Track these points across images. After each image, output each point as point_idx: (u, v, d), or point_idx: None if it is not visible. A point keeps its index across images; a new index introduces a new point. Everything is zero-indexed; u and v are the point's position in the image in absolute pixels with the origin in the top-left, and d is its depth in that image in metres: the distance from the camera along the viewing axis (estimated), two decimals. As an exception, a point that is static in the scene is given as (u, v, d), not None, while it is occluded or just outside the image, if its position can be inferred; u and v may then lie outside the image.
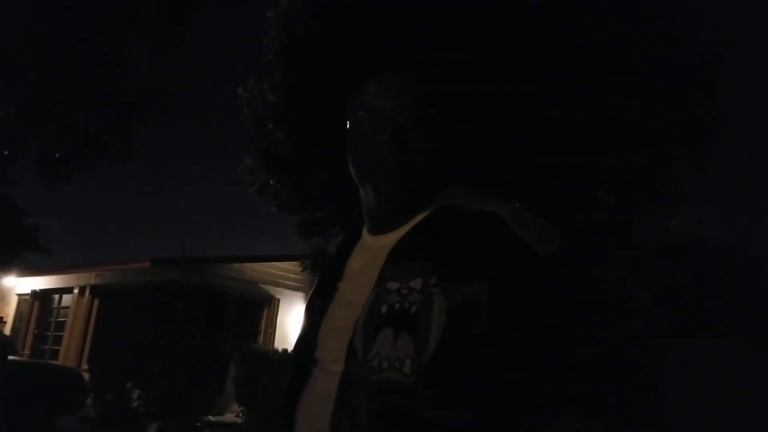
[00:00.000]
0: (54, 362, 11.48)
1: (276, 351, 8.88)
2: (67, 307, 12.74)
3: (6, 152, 7.39)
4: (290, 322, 11.87)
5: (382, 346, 0.83)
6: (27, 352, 12.94)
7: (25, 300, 14.19)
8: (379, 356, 0.83)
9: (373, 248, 1.00)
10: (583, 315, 0.83)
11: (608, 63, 4.68)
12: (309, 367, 0.96)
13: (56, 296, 13.55)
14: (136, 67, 7.17)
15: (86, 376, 9.23)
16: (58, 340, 12.62)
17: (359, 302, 0.91)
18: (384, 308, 0.86)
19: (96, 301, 12.17)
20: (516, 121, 4.42)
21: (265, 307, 11.99)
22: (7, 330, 13.82)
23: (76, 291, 12.48)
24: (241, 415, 8.53)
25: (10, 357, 8.80)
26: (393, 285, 0.87)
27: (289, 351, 8.49)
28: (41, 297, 13.81)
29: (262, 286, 11.79)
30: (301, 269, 7.61)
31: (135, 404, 8.52)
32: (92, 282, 12.24)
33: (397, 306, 0.85)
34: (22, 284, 14.14)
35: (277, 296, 12.05)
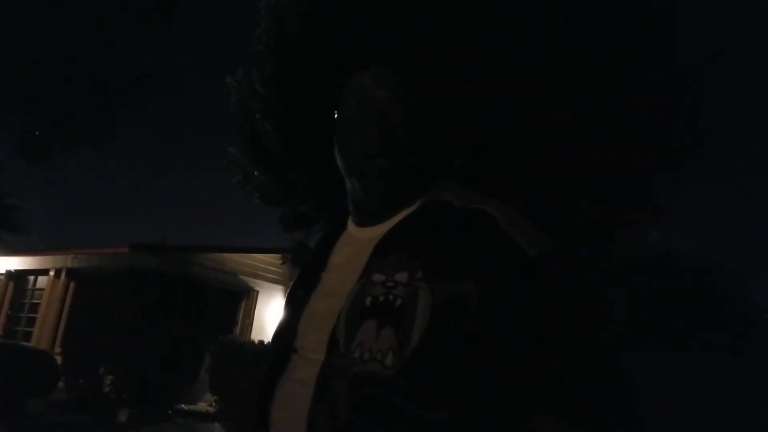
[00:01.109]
0: (26, 344, 11.33)
1: (252, 342, 8.85)
2: (42, 289, 12.57)
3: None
4: (268, 314, 11.83)
5: (365, 337, 0.82)
6: (-1, 332, 12.77)
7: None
8: (361, 348, 0.82)
9: (359, 240, 0.99)
10: (569, 319, 0.83)
11: (594, 73, 4.72)
12: (288, 355, 0.94)
13: (31, 278, 13.36)
14: (123, 50, 7.09)
15: (59, 359, 9.13)
16: (31, 321, 12.45)
17: (342, 293, 0.90)
18: (368, 300, 0.85)
19: (72, 285, 12.02)
20: (502, 125, 4.45)
21: (244, 299, 11.94)
22: (-21, 310, 13.61)
23: (51, 273, 12.32)
24: (213, 404, 8.51)
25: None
26: (378, 277, 0.86)
27: (266, 343, 8.48)
28: (16, 278, 13.61)
29: (242, 277, 11.74)
30: (281, 262, 7.59)
31: (107, 389, 8.46)
32: (68, 265, 12.10)
33: (381, 298, 0.84)
34: (-3, 264, 13.94)
35: (256, 288, 12.01)
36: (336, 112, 1.03)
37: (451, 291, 0.80)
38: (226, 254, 11.55)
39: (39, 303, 12.43)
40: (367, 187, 0.97)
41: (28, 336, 12.16)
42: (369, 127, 0.94)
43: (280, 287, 12.04)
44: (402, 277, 0.84)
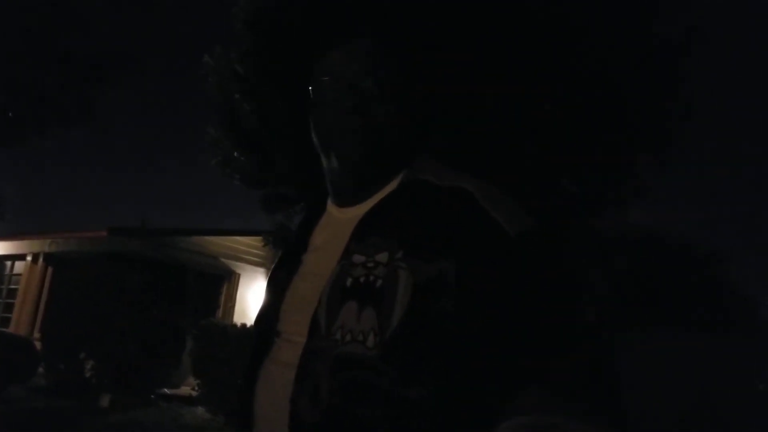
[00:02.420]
0: (4, 330, 11.18)
1: (235, 326, 8.83)
2: (20, 275, 12.39)
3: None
4: (250, 297, 11.79)
5: (346, 319, 0.82)
6: (-24, 319, 12.59)
7: (-25, 266, 13.74)
8: (343, 329, 0.81)
9: (339, 221, 0.98)
10: (549, 297, 0.81)
11: (576, 53, 4.71)
12: (271, 338, 0.94)
13: (8, 263, 13.16)
14: (99, 28, 6.93)
15: (38, 344, 9.04)
16: (9, 307, 12.28)
17: (323, 275, 0.89)
18: (349, 281, 0.84)
19: (50, 270, 11.86)
20: (483, 103, 4.42)
21: (226, 282, 11.87)
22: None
23: (29, 258, 12.13)
24: (196, 388, 8.48)
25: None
26: (359, 258, 0.86)
27: (248, 326, 8.46)
28: (-8, 263, 13.41)
29: (223, 260, 11.66)
30: (262, 244, 7.54)
31: (88, 374, 8.41)
32: (46, 250, 11.91)
33: (362, 279, 0.83)
34: (-28, 249, 13.69)
35: (238, 271, 11.94)
36: (310, 89, 1.00)
37: (431, 270, 0.80)
38: (206, 237, 11.45)
39: (17, 288, 12.26)
40: (343, 165, 0.95)
41: (6, 322, 12.00)
42: (343, 103, 0.92)
43: (261, 270, 11.99)
44: (382, 257, 0.83)
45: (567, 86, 4.70)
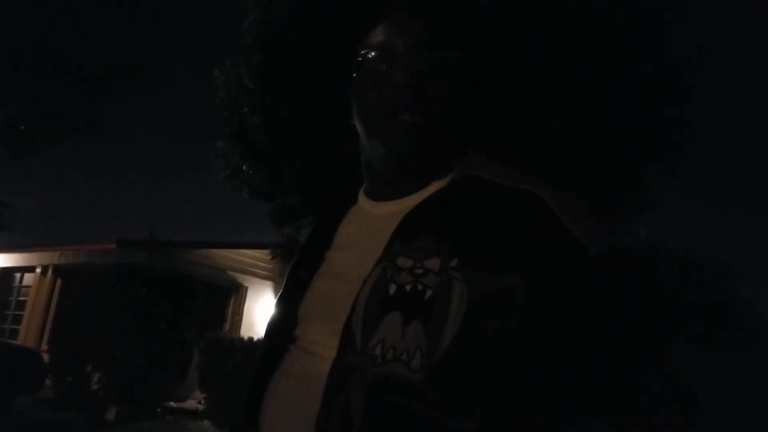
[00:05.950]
0: (12, 341, 11.21)
1: (242, 339, 8.80)
2: (29, 287, 12.44)
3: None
4: (258, 310, 11.77)
5: (388, 333, 0.70)
6: (-15, 330, 12.62)
7: (-15, 277, 13.81)
8: (383, 345, 0.70)
9: (374, 216, 0.87)
10: (630, 326, 0.73)
11: (585, 66, 4.70)
12: (285, 345, 0.83)
13: (18, 275, 13.21)
14: (108, 41, 7.01)
15: (46, 356, 9.05)
16: (17, 319, 12.32)
17: (353, 275, 0.79)
18: (393, 288, 0.73)
19: (59, 282, 11.90)
20: (493, 117, 4.42)
21: (233, 295, 11.86)
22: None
23: (38, 270, 12.19)
24: (203, 402, 8.45)
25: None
26: (405, 262, 0.74)
27: (255, 339, 8.43)
28: (1, 275, 13.47)
29: (231, 273, 11.66)
30: (270, 257, 7.54)
31: (95, 387, 8.40)
32: (55, 262, 11.97)
33: (408, 288, 0.72)
34: (-18, 261, 13.77)
35: (246, 284, 11.93)
36: (355, 64, 0.88)
37: (493, 285, 0.70)
38: (214, 250, 11.46)
39: (26, 300, 12.30)
40: (391, 147, 0.83)
41: (14, 334, 12.03)
42: (394, 78, 0.81)
43: (269, 283, 11.98)
44: (433, 264, 0.72)
45: (575, 98, 4.69)
